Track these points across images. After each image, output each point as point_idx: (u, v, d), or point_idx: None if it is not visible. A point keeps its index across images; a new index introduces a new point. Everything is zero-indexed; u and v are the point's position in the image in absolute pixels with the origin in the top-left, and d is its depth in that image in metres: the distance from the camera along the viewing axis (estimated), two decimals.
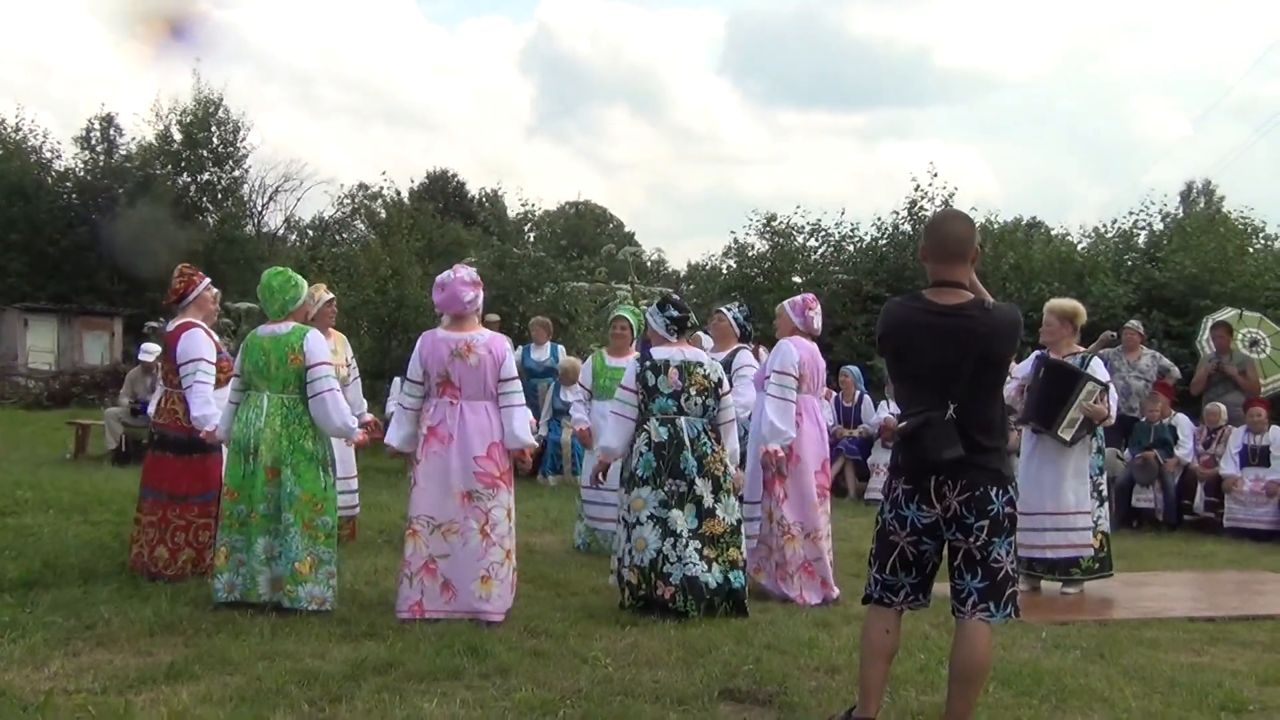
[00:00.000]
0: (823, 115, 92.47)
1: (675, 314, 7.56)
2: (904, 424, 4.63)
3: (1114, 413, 8.56)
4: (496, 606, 6.78)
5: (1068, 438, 8.09)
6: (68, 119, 77.16)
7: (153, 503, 7.63)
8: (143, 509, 7.69)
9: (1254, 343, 14.27)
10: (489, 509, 6.84)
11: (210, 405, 7.46)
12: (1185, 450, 12.75)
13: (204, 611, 6.68)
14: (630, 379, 7.42)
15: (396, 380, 9.44)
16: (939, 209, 21.11)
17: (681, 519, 7.15)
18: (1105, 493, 8.75)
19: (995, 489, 4.59)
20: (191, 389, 7.50)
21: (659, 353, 7.46)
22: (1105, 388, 8.23)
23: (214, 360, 7.62)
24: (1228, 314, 14.62)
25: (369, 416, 9.25)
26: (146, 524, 7.62)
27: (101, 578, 7.46)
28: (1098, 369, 8.42)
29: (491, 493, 6.86)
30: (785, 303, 8.23)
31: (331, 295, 9.84)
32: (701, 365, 7.41)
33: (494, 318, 14.72)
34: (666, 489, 7.19)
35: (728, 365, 8.40)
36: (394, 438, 7.15)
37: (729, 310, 9.28)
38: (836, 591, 7.73)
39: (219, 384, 7.64)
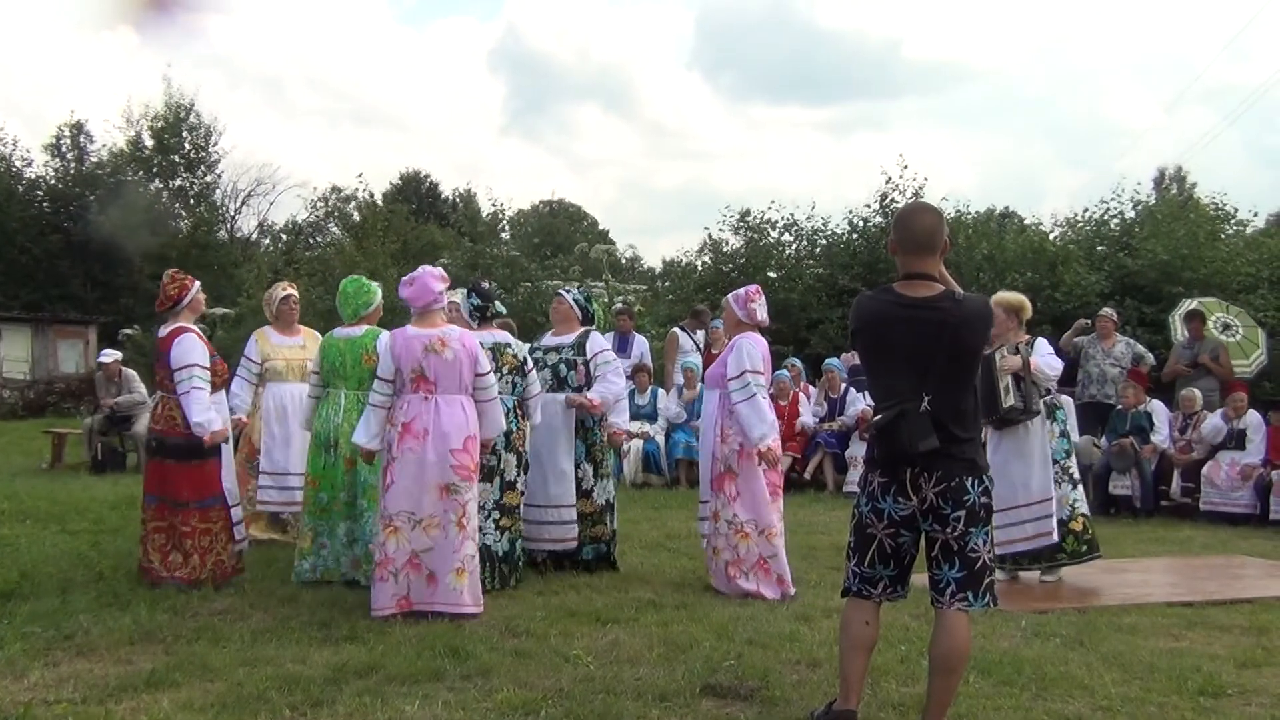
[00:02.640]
0: (794, 109, 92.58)
1: (478, 301, 8.09)
2: (879, 417, 4.64)
3: (1039, 365, 8.24)
4: (471, 599, 6.82)
5: (1012, 402, 7.95)
6: (34, 125, 76.59)
7: (158, 508, 7.56)
8: (147, 515, 7.62)
9: (1226, 326, 14.42)
10: (465, 502, 6.89)
11: (209, 411, 7.53)
12: (1161, 437, 12.82)
13: (184, 619, 6.66)
14: None
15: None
16: (909, 201, 21.19)
17: (488, 491, 7.67)
18: (1077, 475, 8.71)
19: (971, 479, 4.62)
20: (188, 394, 7.46)
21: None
22: (1015, 349, 8.08)
23: (208, 365, 7.62)
24: (1196, 303, 14.78)
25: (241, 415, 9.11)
26: (153, 530, 7.55)
27: (80, 587, 7.42)
28: (1040, 348, 8.35)
29: (467, 485, 6.91)
30: (729, 296, 8.14)
31: (290, 291, 9.90)
32: (510, 346, 7.96)
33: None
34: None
35: (580, 348, 8.45)
36: (363, 436, 7.05)
37: (568, 293, 8.94)
38: (793, 590, 7.64)
39: (214, 387, 7.70)
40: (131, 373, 15.68)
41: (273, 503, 9.30)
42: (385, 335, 7.71)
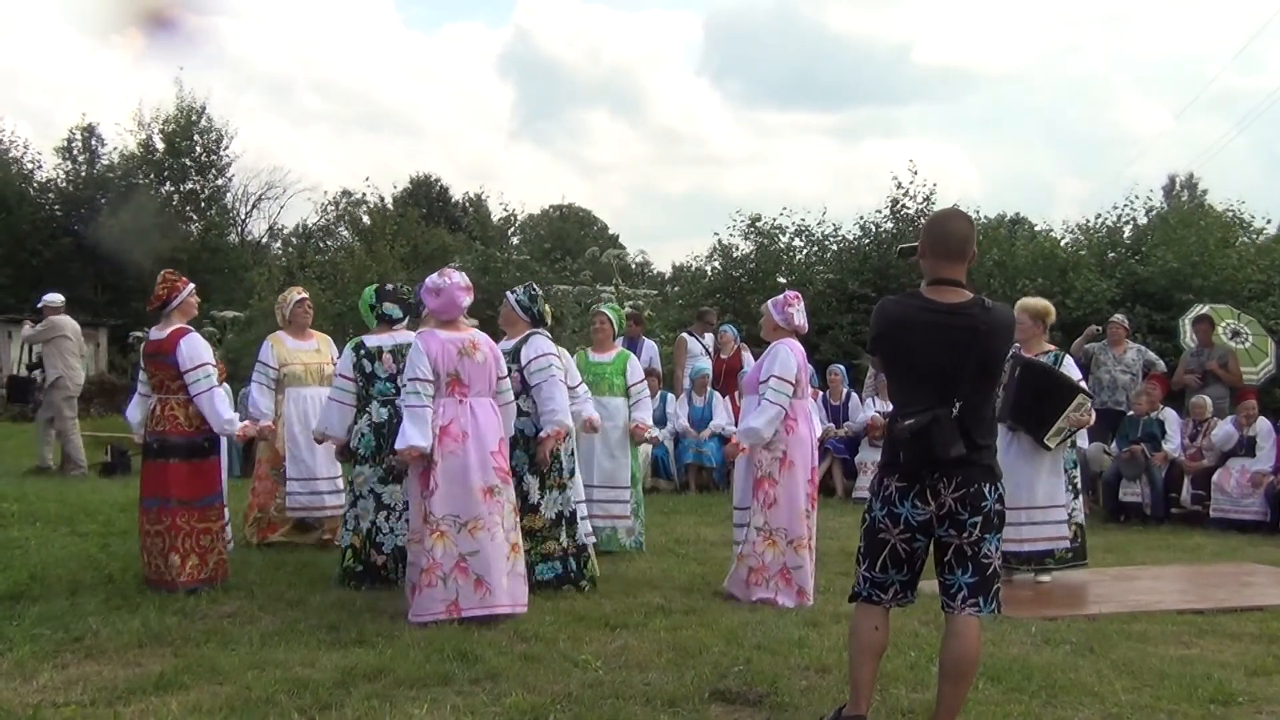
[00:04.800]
0: (803, 114, 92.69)
1: (377, 305, 8.26)
2: (910, 422, 4.58)
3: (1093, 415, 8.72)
4: (520, 599, 6.89)
5: (1053, 446, 8.24)
6: (45, 128, 76.93)
7: (159, 511, 7.47)
8: (148, 519, 7.53)
9: (1235, 334, 14.39)
10: (504, 502, 6.89)
11: (231, 408, 7.72)
12: (1173, 445, 12.76)
13: (193, 621, 6.66)
14: (347, 368, 7.87)
15: None
16: (920, 207, 21.20)
17: (398, 493, 7.74)
18: (1080, 485, 8.91)
19: (988, 486, 4.62)
20: (210, 393, 7.52)
21: (370, 340, 8.18)
22: (1091, 396, 8.34)
23: (215, 363, 7.68)
24: (1203, 309, 14.78)
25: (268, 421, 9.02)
26: (155, 534, 7.46)
27: (89, 589, 7.43)
28: (1070, 368, 8.50)
29: (505, 487, 6.93)
30: (768, 301, 8.14)
31: (303, 295, 9.98)
32: (409, 346, 7.74)
33: (473, 322, 14.74)
34: (385, 465, 7.80)
35: (516, 354, 7.79)
36: (418, 438, 6.70)
37: (511, 294, 8.29)
38: (811, 602, 7.57)
39: None
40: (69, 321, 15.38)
41: (301, 508, 9.35)
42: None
